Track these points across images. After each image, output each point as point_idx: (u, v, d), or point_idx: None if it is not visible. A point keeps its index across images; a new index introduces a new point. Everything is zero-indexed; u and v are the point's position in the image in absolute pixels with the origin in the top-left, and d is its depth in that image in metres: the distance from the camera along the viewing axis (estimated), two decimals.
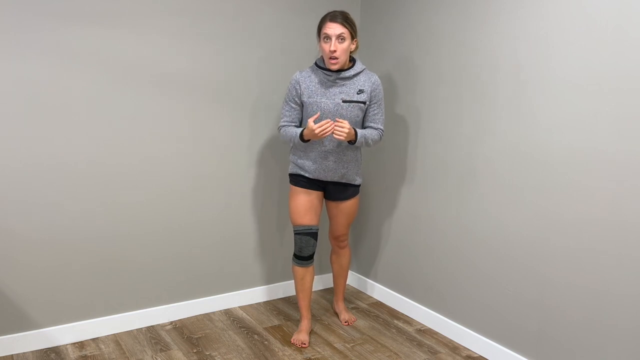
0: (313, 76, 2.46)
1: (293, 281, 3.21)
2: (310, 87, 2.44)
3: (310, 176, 2.53)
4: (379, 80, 2.52)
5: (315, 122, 2.39)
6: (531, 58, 2.21)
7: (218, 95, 2.77)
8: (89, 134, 2.46)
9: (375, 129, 2.52)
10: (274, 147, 3.00)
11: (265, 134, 2.95)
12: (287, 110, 2.50)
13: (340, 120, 2.31)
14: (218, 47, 2.72)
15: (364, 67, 2.50)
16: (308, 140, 2.40)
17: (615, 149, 1.95)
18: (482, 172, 2.48)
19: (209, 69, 2.72)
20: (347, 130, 2.30)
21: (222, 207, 2.89)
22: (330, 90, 2.43)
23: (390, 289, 3.11)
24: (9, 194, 2.32)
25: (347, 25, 2.34)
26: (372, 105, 2.50)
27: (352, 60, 2.49)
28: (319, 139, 2.35)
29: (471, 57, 2.49)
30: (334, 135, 2.31)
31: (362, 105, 2.46)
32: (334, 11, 2.38)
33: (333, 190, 2.60)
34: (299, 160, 2.54)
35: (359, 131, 2.42)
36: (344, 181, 2.57)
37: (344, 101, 2.43)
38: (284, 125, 2.51)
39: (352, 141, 2.41)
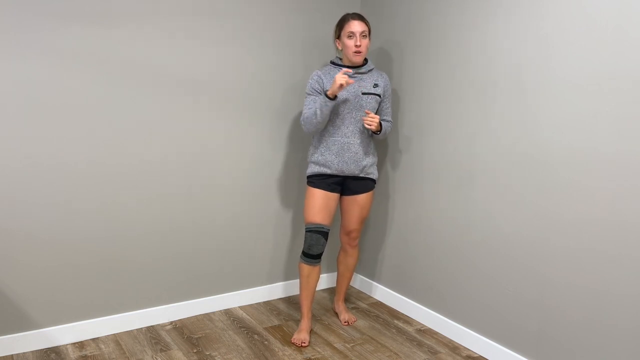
0: (332, 73, 2.62)
1: (293, 281, 3.22)
2: (332, 82, 2.58)
3: (332, 171, 2.61)
4: (388, 77, 2.79)
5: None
6: (531, 58, 2.21)
7: (220, 95, 2.77)
8: (89, 134, 2.46)
9: (388, 121, 2.74)
10: (276, 148, 3.00)
11: (268, 135, 2.95)
12: (310, 102, 2.58)
13: (369, 111, 2.53)
14: (220, 47, 2.72)
15: (373, 66, 2.72)
16: (334, 98, 2.43)
17: (615, 149, 1.95)
18: (482, 172, 2.48)
19: (211, 69, 2.72)
20: (377, 121, 2.52)
21: (222, 207, 2.89)
22: (350, 84, 2.56)
23: (391, 289, 3.11)
24: (8, 194, 2.32)
25: (368, 24, 2.57)
26: (385, 100, 2.71)
27: (364, 59, 2.68)
28: (342, 88, 2.37)
29: (471, 57, 2.49)
30: (366, 125, 2.50)
31: (377, 97, 2.64)
32: (350, 13, 2.60)
33: (352, 184, 2.68)
34: (320, 157, 2.62)
35: (382, 122, 2.67)
36: (363, 175, 2.67)
37: (363, 93, 2.59)
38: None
39: (377, 131, 2.60)
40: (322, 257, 3.33)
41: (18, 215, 2.35)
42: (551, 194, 2.18)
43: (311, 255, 2.59)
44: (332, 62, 2.66)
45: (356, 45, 2.51)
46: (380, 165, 3.12)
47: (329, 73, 2.61)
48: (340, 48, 2.61)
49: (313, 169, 2.65)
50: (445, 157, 2.67)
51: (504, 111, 2.35)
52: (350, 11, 3.14)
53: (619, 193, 1.95)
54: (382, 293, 3.16)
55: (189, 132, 2.71)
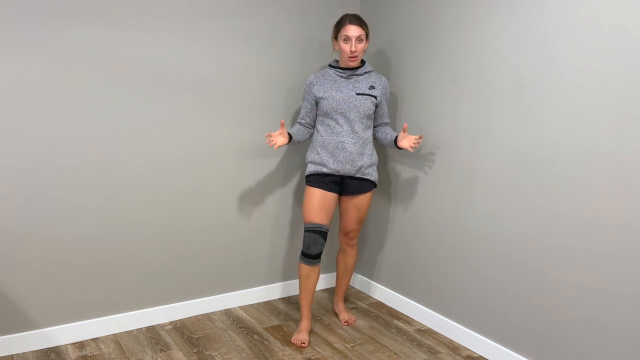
0: (327, 75, 2.67)
1: (293, 281, 3.22)
2: (325, 84, 2.65)
3: (329, 170, 2.63)
4: (387, 81, 2.78)
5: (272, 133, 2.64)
6: (531, 58, 2.22)
7: (220, 96, 2.77)
8: (89, 134, 2.46)
9: (388, 123, 2.79)
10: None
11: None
12: (302, 108, 2.74)
13: (421, 136, 2.61)
14: (220, 47, 2.72)
15: (372, 68, 2.74)
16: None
17: (615, 149, 1.95)
18: (482, 172, 2.48)
19: (211, 69, 2.72)
20: (420, 141, 2.60)
21: (222, 208, 2.89)
22: (344, 85, 2.63)
23: (391, 289, 3.11)
24: (9, 193, 2.32)
25: (364, 27, 2.57)
26: (383, 103, 2.71)
27: (362, 61, 2.70)
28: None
29: (471, 56, 2.49)
30: (414, 148, 2.60)
31: (373, 99, 2.64)
32: (349, 14, 2.58)
33: (350, 184, 2.68)
34: (317, 157, 2.65)
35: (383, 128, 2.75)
36: (359, 175, 2.67)
37: (357, 94, 2.61)
38: (297, 122, 2.78)
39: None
40: (322, 257, 3.33)
41: (18, 215, 2.35)
42: (551, 194, 2.18)
43: (310, 255, 2.59)
44: (330, 65, 2.69)
45: (351, 51, 2.54)
46: (380, 165, 3.11)
47: (323, 76, 2.66)
48: (336, 49, 2.62)
49: (310, 169, 2.67)
50: (445, 157, 2.67)
51: (504, 111, 2.35)
52: (350, 12, 3.14)
53: (619, 193, 1.95)
54: (382, 293, 3.16)
55: (188, 132, 2.71)
